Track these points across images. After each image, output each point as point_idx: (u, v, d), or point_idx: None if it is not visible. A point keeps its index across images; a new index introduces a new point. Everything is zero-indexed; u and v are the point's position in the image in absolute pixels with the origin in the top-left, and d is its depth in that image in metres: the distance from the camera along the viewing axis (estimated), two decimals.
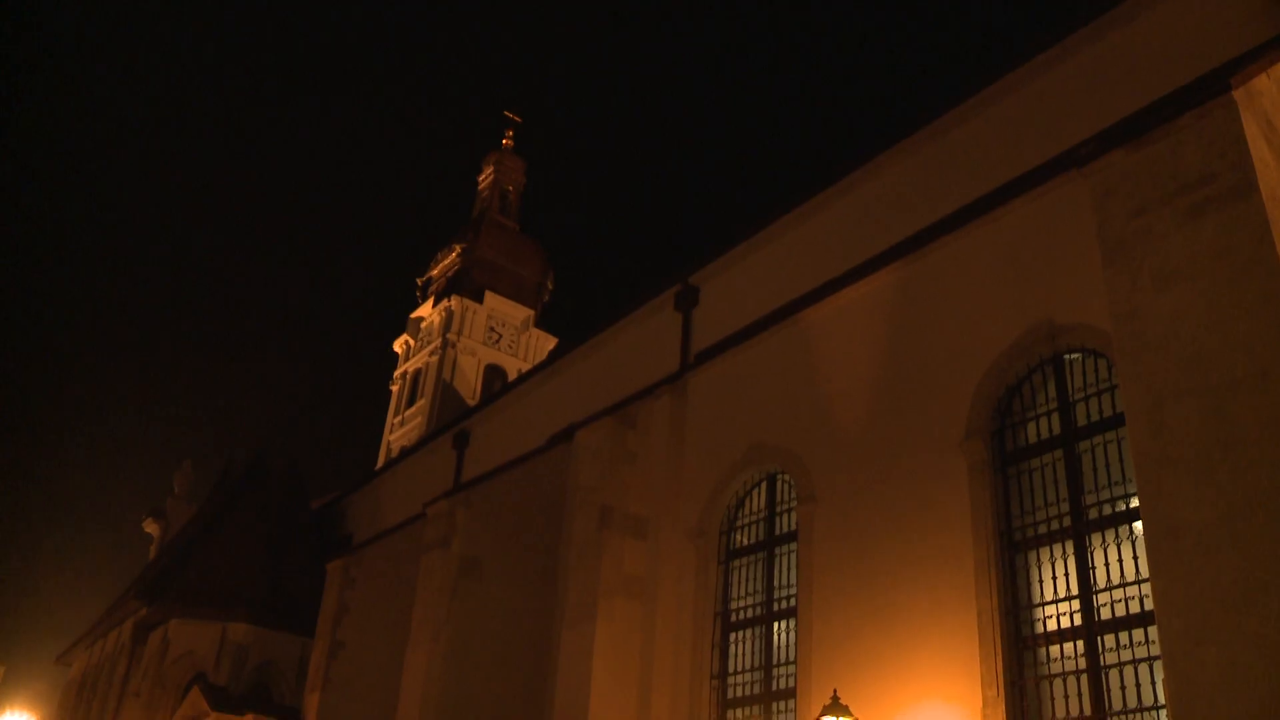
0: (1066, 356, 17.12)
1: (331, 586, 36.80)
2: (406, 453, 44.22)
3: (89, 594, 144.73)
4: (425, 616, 28.18)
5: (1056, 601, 16.00)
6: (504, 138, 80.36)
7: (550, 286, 74.70)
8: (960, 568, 16.82)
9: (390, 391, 71.14)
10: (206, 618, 41.81)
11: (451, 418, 41.22)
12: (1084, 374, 16.90)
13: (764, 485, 22.00)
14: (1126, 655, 14.91)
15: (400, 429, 66.77)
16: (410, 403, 67.79)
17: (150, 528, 59.09)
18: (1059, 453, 16.76)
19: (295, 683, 38.99)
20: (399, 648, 29.60)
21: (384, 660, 31.85)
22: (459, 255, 72.63)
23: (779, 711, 19.85)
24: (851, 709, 15.85)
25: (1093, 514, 16.01)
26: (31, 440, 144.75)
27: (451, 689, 26.39)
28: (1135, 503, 14.95)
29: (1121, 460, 15.74)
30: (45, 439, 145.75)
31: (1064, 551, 16.18)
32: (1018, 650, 16.08)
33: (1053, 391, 17.24)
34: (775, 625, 20.66)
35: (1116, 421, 15.84)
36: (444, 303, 69.14)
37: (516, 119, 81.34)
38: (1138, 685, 14.63)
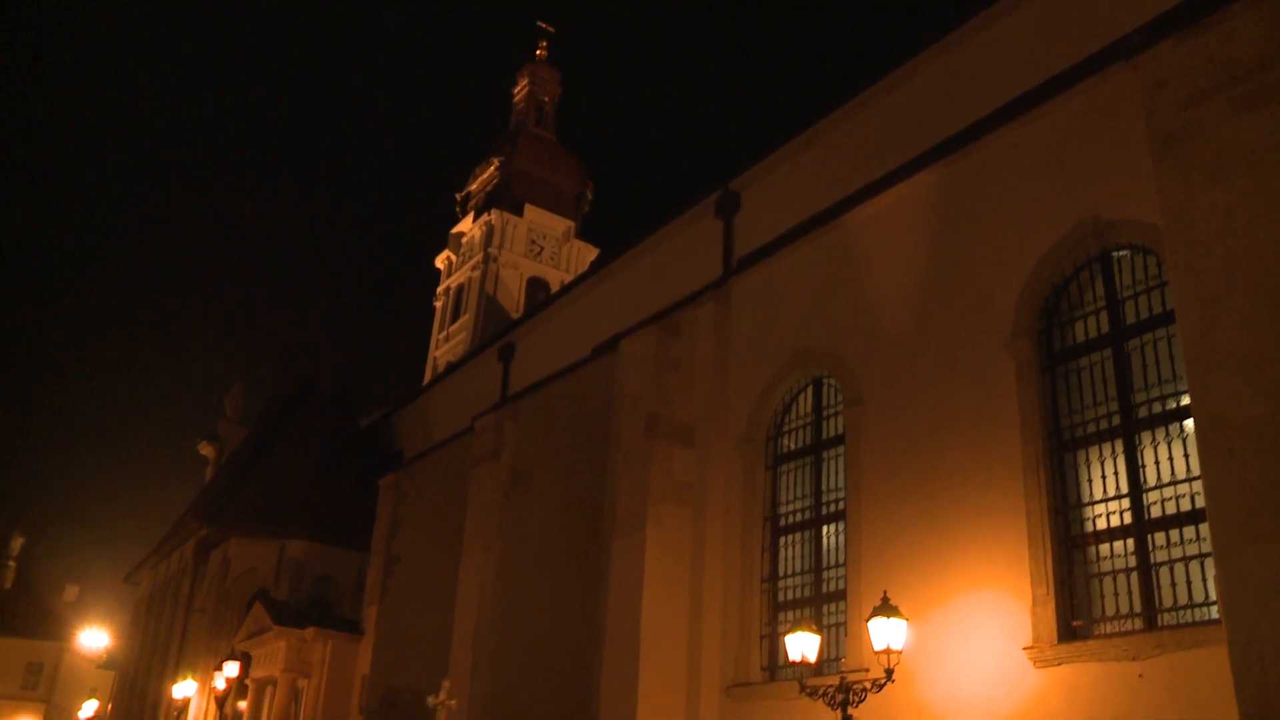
0: (1114, 254, 16.88)
1: (384, 502, 37.44)
2: (452, 368, 44.55)
3: (151, 516, 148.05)
4: (477, 528, 28.64)
5: (1106, 500, 16.00)
6: (537, 49, 79.51)
7: (589, 197, 74.41)
8: (1009, 467, 16.82)
9: (434, 308, 71.53)
10: (264, 536, 42.74)
11: (496, 331, 41.42)
12: (1132, 271, 16.68)
13: (810, 389, 22.02)
14: (1176, 553, 14.93)
15: (445, 345, 67.23)
16: (454, 318, 68.16)
17: (205, 450, 60.16)
18: (1108, 351, 16.61)
19: (353, 596, 39.87)
20: (452, 560, 30.13)
21: (438, 572, 32.42)
22: (497, 169, 72.36)
23: (829, 614, 20.09)
24: (901, 610, 16.01)
25: (1142, 412, 15.91)
26: (90, 371, 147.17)
27: (505, 598, 26.90)
28: (1185, 400, 14.84)
29: (1172, 358, 15.60)
30: (102, 369, 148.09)
31: (1113, 450, 16.13)
32: (1067, 549, 16.13)
33: (1101, 289, 17.03)
34: (824, 528, 20.83)
35: (1166, 319, 15.66)
36: (484, 217, 69.08)
37: (549, 29, 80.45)
38: (1188, 582, 14.66)
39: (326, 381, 49.58)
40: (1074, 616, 15.69)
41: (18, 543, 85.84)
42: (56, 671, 79.34)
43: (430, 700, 7.35)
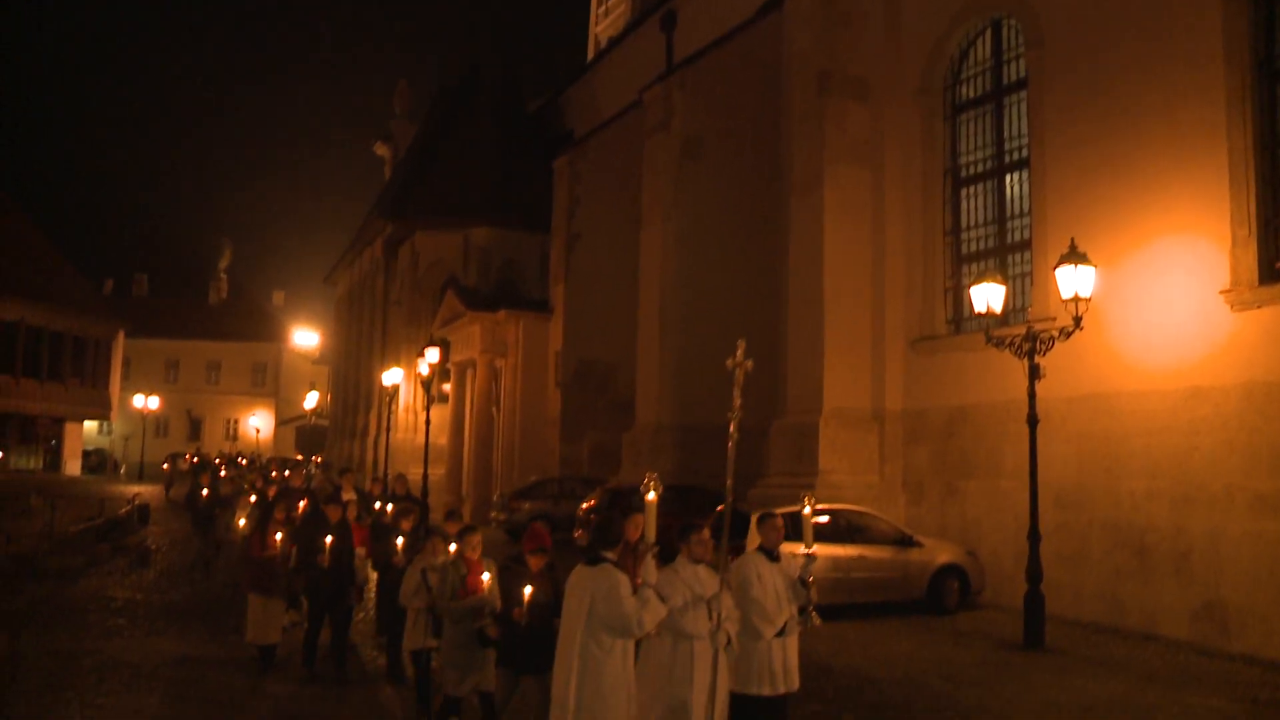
0: None
1: (560, 182, 37.88)
2: (614, 43, 43.65)
3: (340, 220, 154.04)
4: (653, 199, 28.82)
5: None
6: None
7: None
8: (1209, 103, 15.73)
9: None
10: (448, 227, 44.03)
11: (655, 0, 39.99)
12: None
13: (988, 33, 20.80)
14: None
15: (605, 19, 65.53)
16: None
17: (381, 150, 61.45)
18: None
19: (539, 277, 41.11)
20: (632, 233, 30.57)
21: (619, 247, 33.03)
22: None
23: (1015, 264, 19.75)
24: (1089, 257, 15.51)
25: None
26: (257, 83, 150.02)
27: (686, 267, 27.32)
28: None
29: None
30: (271, 83, 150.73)
31: None
32: (1273, 187, 15.23)
33: None
34: (1008, 178, 20.18)
35: None
36: None
37: None
38: None
39: (491, 69, 49.32)
40: (1277, 257, 15.00)
41: (226, 256, 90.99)
42: (278, 369, 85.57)
43: (729, 362, 7.61)
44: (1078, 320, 15.07)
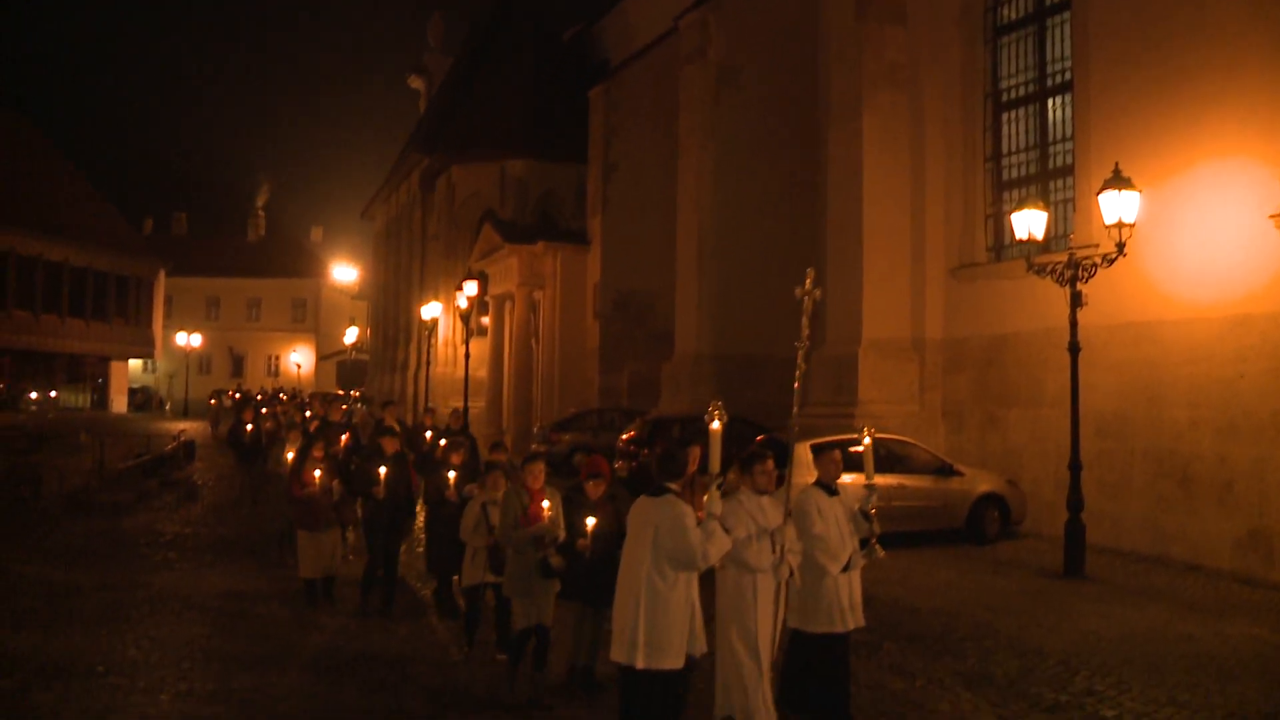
0: None
1: (596, 112, 37.61)
2: None
3: (376, 155, 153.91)
4: (690, 128, 28.56)
5: None
6: None
7: None
8: (1261, 16, 15.31)
9: None
10: (484, 159, 43.88)
11: None
12: None
13: None
14: None
15: None
16: None
17: (415, 83, 61.10)
18: None
19: (576, 209, 40.98)
20: (669, 163, 30.37)
21: (656, 178, 32.87)
22: None
23: (1057, 190, 19.46)
24: (1134, 182, 15.21)
25: None
26: (297, 22, 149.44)
27: (723, 195, 27.16)
28: None
29: None
30: (305, 18, 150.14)
31: None
32: None
33: None
34: (1050, 102, 19.81)
35: None
36: None
37: None
38: None
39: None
40: None
41: (264, 193, 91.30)
42: (318, 305, 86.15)
43: (798, 291, 7.50)
44: (1121, 247, 14.82)
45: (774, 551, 7.34)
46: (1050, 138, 19.76)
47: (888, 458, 17.17)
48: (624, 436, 24.88)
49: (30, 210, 55.14)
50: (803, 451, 13.35)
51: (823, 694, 8.08)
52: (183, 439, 31.72)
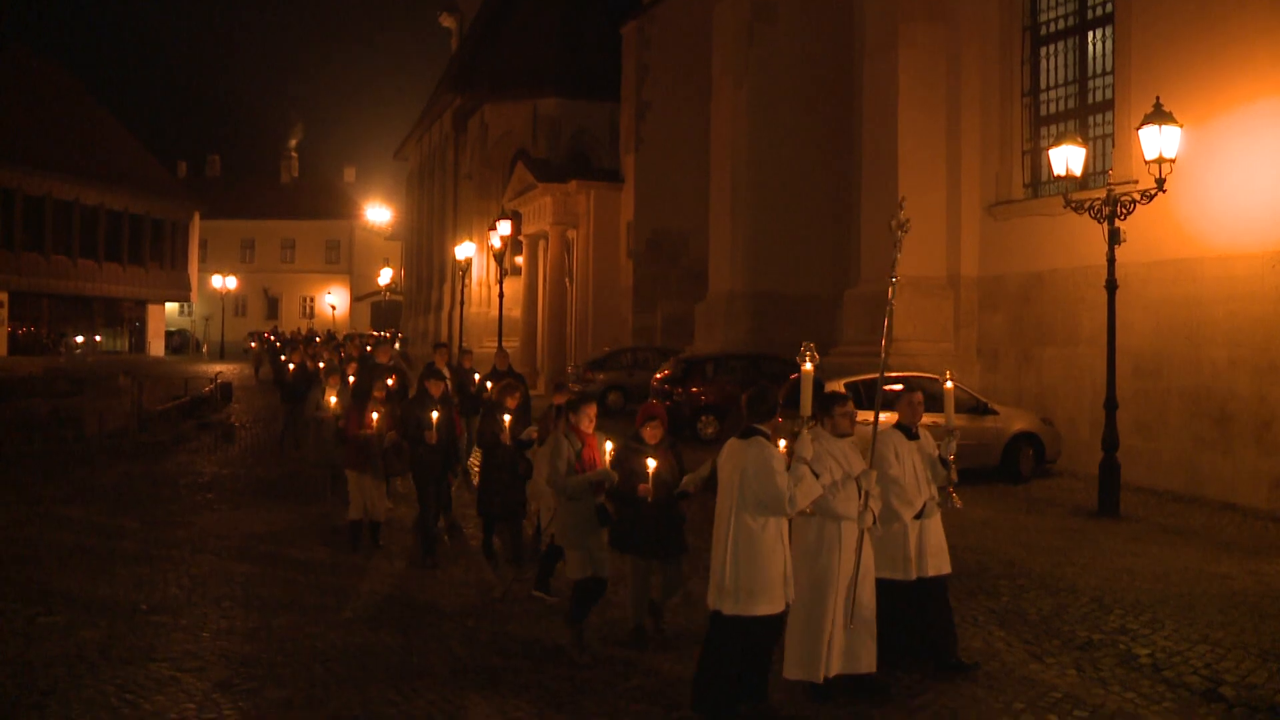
0: None
1: (629, 49, 37.26)
2: None
3: (409, 94, 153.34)
4: (724, 64, 28.24)
5: None
6: None
7: None
8: None
9: None
10: (517, 98, 43.67)
11: None
12: None
13: None
14: None
15: None
16: None
17: (447, 22, 60.66)
18: None
19: (610, 147, 40.76)
20: (703, 100, 30.10)
21: (690, 114, 32.64)
22: None
23: (1096, 125, 19.17)
24: (1175, 116, 14.93)
25: None
26: None
27: (758, 132, 26.88)
28: None
29: None
30: None
31: None
32: None
33: None
34: (1090, 35, 19.45)
35: None
36: None
37: None
38: None
39: None
40: None
41: (295, 135, 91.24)
42: (351, 246, 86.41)
43: (892, 223, 7.28)
44: (1160, 183, 14.59)
45: (860, 498, 7.11)
46: (1090, 72, 19.42)
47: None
48: (658, 375, 24.92)
49: (65, 155, 55.43)
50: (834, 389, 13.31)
51: (893, 641, 7.76)
52: (220, 381, 32.02)
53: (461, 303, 36.55)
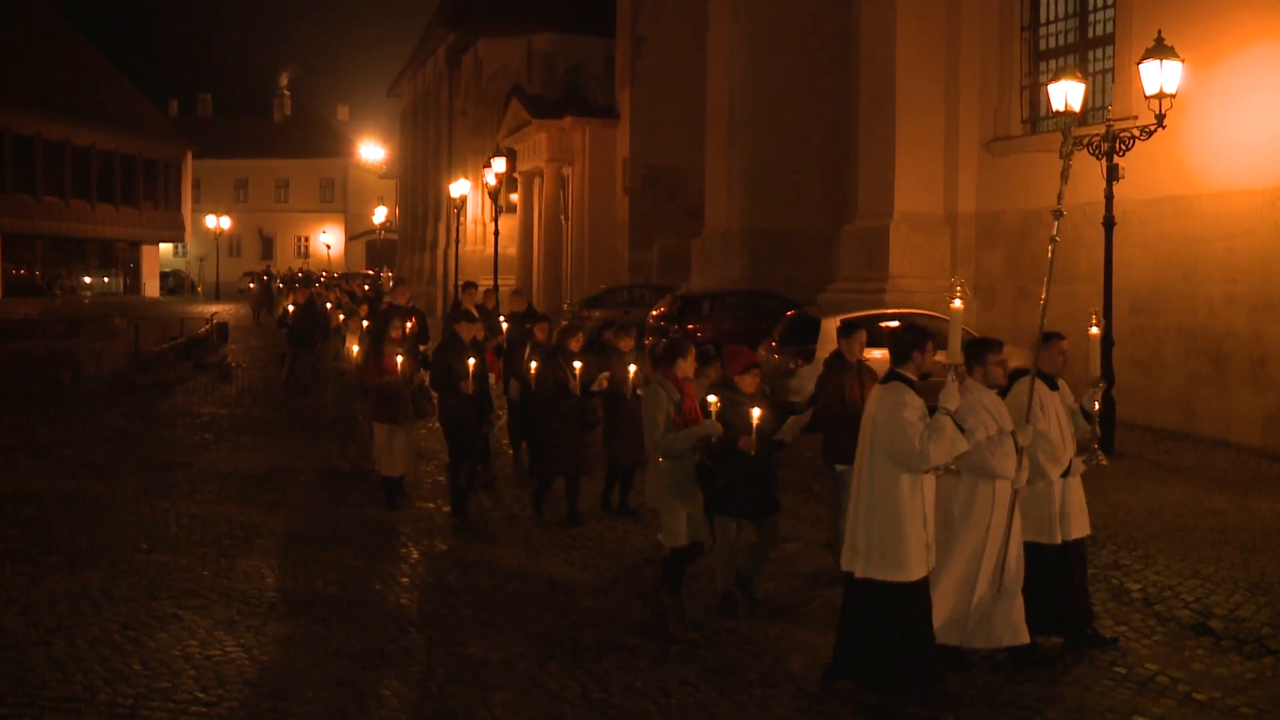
0: None
1: None
2: None
3: (401, 29, 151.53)
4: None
5: None
6: None
7: None
8: None
9: None
10: (511, 33, 43.19)
11: None
12: None
13: None
14: None
15: None
16: None
17: None
18: None
19: (605, 82, 40.40)
20: (699, 35, 29.77)
21: (686, 49, 32.30)
22: None
23: (1095, 60, 19.01)
24: (1177, 51, 14.77)
25: None
26: None
27: (754, 67, 26.60)
28: None
29: None
30: None
31: None
32: None
33: None
34: None
35: None
36: None
37: None
38: None
39: None
40: None
41: (289, 72, 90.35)
42: (345, 185, 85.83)
43: (1061, 151, 6.91)
44: (1160, 118, 14.49)
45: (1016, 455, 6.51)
46: (1090, 5, 19.21)
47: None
48: (654, 312, 24.92)
49: (56, 95, 54.82)
50: (829, 328, 13.32)
51: (1043, 608, 7.03)
52: (215, 321, 32.00)
53: (457, 241, 36.43)
